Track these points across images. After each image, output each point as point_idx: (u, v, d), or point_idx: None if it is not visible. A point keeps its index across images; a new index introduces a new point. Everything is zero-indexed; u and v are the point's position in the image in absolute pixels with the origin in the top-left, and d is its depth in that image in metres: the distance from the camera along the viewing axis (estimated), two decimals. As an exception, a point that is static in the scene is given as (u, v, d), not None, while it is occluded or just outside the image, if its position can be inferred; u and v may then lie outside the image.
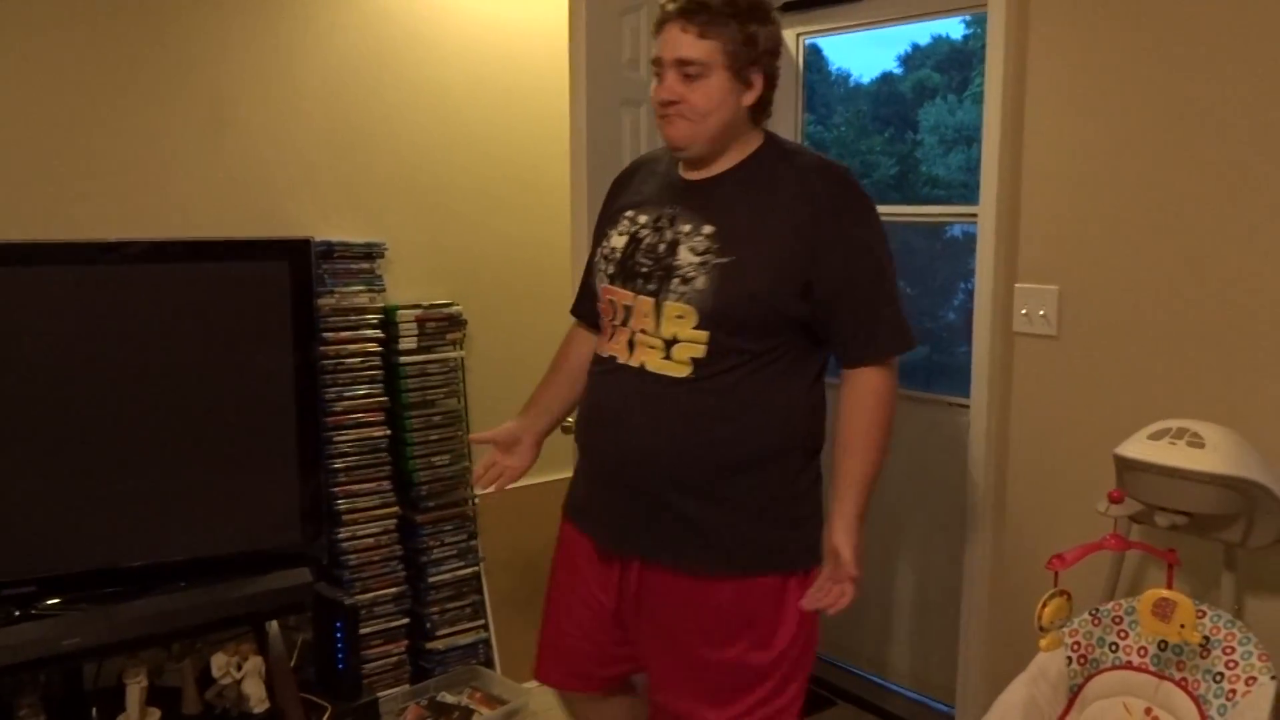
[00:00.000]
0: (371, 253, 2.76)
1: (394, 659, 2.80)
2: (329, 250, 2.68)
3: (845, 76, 3.32)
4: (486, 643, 2.99)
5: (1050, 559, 1.84)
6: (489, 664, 2.99)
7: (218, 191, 2.61)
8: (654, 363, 1.74)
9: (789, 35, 3.05)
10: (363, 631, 2.69)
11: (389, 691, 2.77)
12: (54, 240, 2.27)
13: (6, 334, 2.10)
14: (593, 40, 2.40)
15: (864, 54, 3.20)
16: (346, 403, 2.69)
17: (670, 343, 1.73)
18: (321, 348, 2.59)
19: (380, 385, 2.75)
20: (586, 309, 1.98)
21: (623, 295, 1.79)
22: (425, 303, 2.85)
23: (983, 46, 2.43)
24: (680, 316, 1.71)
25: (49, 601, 2.12)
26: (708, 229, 1.72)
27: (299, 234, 2.57)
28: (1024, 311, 2.43)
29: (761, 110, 1.78)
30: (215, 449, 2.31)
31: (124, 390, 2.19)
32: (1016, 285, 2.45)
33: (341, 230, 2.78)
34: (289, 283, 2.38)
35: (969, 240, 2.63)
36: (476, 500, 2.93)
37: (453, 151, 2.95)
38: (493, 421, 2.11)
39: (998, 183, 2.42)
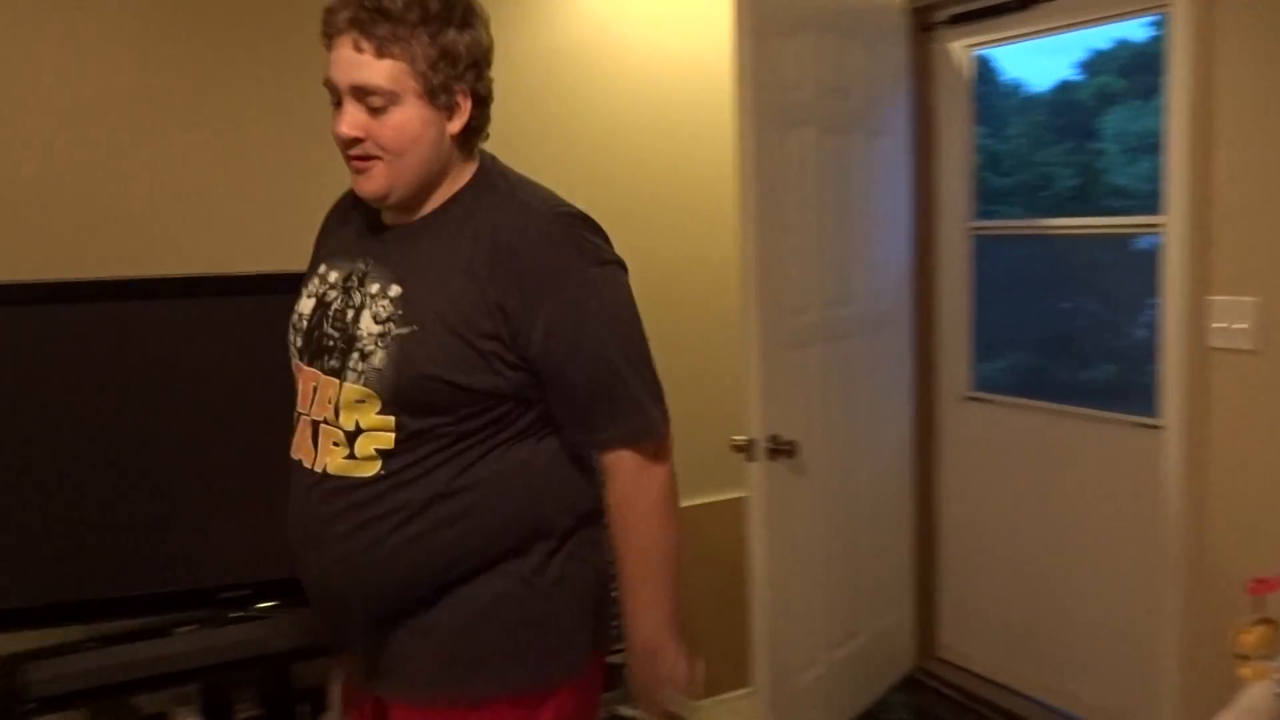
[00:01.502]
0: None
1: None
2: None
3: (1018, 87, 3.22)
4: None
5: (1250, 583, 1.73)
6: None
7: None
8: (336, 463, 1.39)
9: (956, 48, 3.00)
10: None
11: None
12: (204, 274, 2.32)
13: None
14: (758, 63, 2.42)
15: (1037, 63, 3.10)
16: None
17: (353, 435, 1.38)
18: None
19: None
20: None
21: (310, 375, 1.44)
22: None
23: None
24: (361, 401, 1.37)
25: (262, 605, 2.26)
26: (394, 290, 1.38)
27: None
28: (1220, 326, 2.30)
29: (472, 136, 1.43)
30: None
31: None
32: (1211, 298, 2.32)
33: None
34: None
35: (1157, 252, 2.51)
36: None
37: (615, 176, 2.97)
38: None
39: (1187, 190, 2.31)
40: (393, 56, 1.32)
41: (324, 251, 1.55)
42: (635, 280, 1.47)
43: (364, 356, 1.36)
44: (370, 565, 1.39)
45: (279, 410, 1.53)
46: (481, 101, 1.42)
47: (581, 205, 1.46)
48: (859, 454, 2.90)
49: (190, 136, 2.39)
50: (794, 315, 2.60)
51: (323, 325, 1.43)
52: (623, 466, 1.43)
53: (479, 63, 1.40)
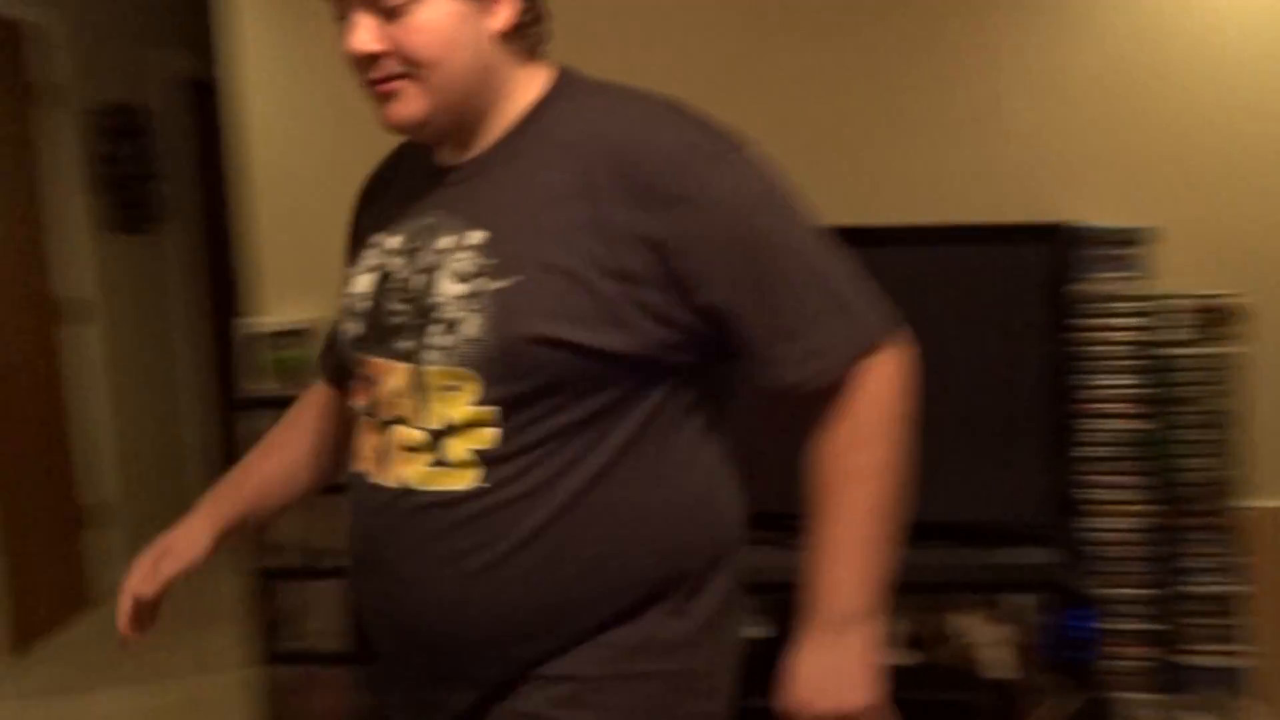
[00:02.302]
0: (1133, 238, 2.60)
1: (1132, 663, 2.62)
2: (1086, 235, 2.56)
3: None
4: (1245, 671, 2.64)
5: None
6: (1247, 694, 2.65)
7: (981, 179, 2.63)
8: (418, 474, 1.07)
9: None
10: (1103, 627, 2.53)
11: (1125, 694, 2.60)
12: (846, 224, 2.50)
13: None
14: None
15: None
16: (1100, 392, 2.57)
17: (440, 435, 1.06)
18: (1077, 334, 2.52)
19: (1139, 377, 2.59)
20: (329, 363, 1.34)
21: (377, 366, 1.12)
22: (1200, 292, 2.60)
23: None
24: (450, 387, 1.05)
25: None
26: (476, 236, 1.06)
27: (1057, 219, 2.53)
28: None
29: (525, 36, 1.10)
30: (968, 422, 2.39)
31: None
32: None
33: (1103, 215, 2.63)
34: (1043, 267, 2.41)
35: None
36: (1249, 511, 2.62)
37: (1238, 132, 2.66)
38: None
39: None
40: None
41: (368, 223, 1.21)
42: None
43: (450, 327, 1.04)
44: (472, 609, 1.08)
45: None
46: None
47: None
48: None
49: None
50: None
51: (385, 300, 1.12)
52: (846, 391, 1.08)
53: None
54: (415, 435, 1.07)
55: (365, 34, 1.03)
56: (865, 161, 2.65)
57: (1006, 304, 2.42)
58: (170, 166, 4.49)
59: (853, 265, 1.10)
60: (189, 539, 1.24)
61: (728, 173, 1.05)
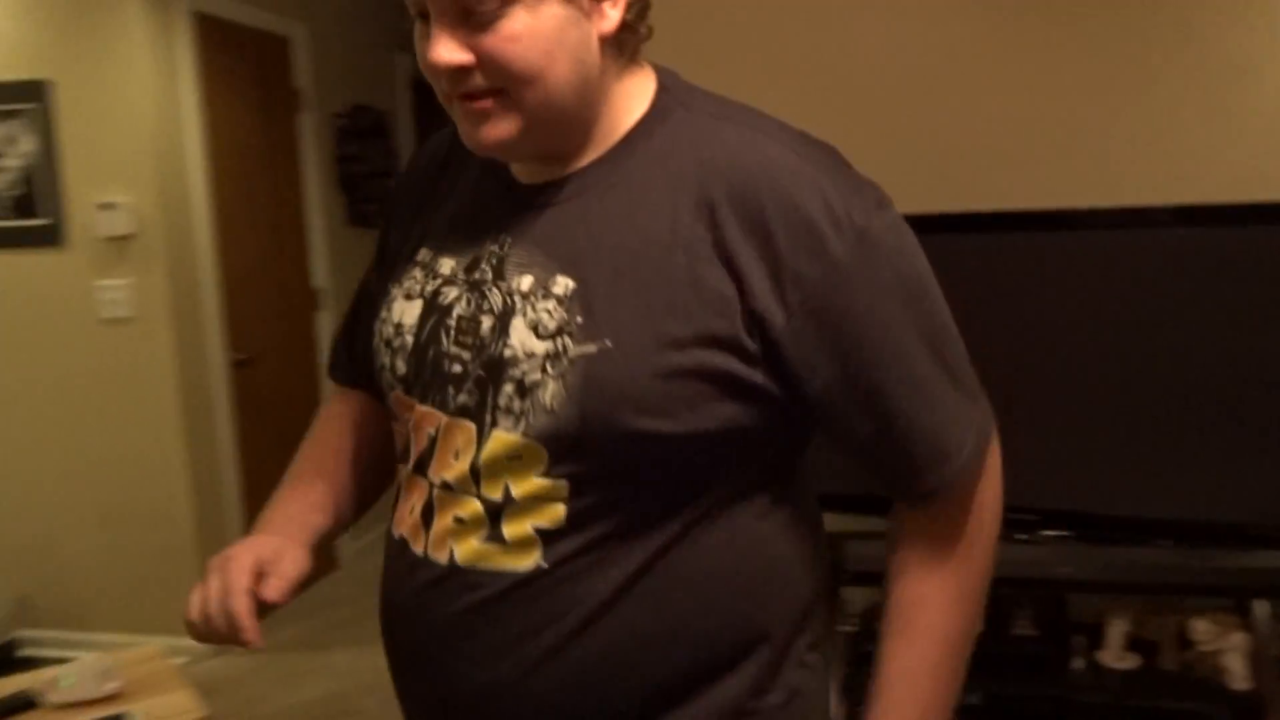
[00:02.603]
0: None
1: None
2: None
3: None
4: None
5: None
6: None
7: (1235, 158, 2.45)
8: (469, 550, 0.92)
9: None
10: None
11: None
12: (1092, 207, 2.39)
13: (1071, 290, 2.35)
14: None
15: None
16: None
17: (499, 508, 0.90)
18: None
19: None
20: (351, 367, 1.16)
21: (428, 416, 0.95)
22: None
23: None
24: (516, 457, 0.89)
25: (1047, 532, 2.31)
26: (563, 284, 0.89)
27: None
28: None
29: (631, 35, 0.91)
30: (1222, 418, 2.29)
31: (1147, 351, 2.32)
32: None
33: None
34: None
35: None
36: None
37: None
38: None
39: None
40: None
41: (413, 229, 1.03)
42: None
43: (522, 390, 0.88)
44: (535, 700, 0.93)
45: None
46: None
47: None
48: None
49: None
50: None
51: (441, 340, 0.94)
52: (942, 511, 0.96)
53: None
54: (470, 506, 0.92)
55: (450, 43, 0.85)
56: (1113, 139, 2.48)
57: (1266, 290, 2.23)
58: (403, 164, 4.81)
59: (964, 362, 0.96)
60: (287, 553, 1.00)
61: (870, 242, 0.87)
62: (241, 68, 3.81)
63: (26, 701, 1.68)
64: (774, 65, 2.69)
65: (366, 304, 1.10)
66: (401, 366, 0.97)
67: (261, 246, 3.94)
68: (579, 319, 0.86)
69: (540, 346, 0.87)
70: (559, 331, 0.87)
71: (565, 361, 0.86)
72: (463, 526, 0.92)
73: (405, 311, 0.97)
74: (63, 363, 3.45)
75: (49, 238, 3.40)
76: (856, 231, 0.86)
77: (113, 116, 3.33)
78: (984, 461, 0.95)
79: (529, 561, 0.90)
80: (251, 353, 3.81)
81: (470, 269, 0.94)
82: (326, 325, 4.24)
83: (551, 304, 0.88)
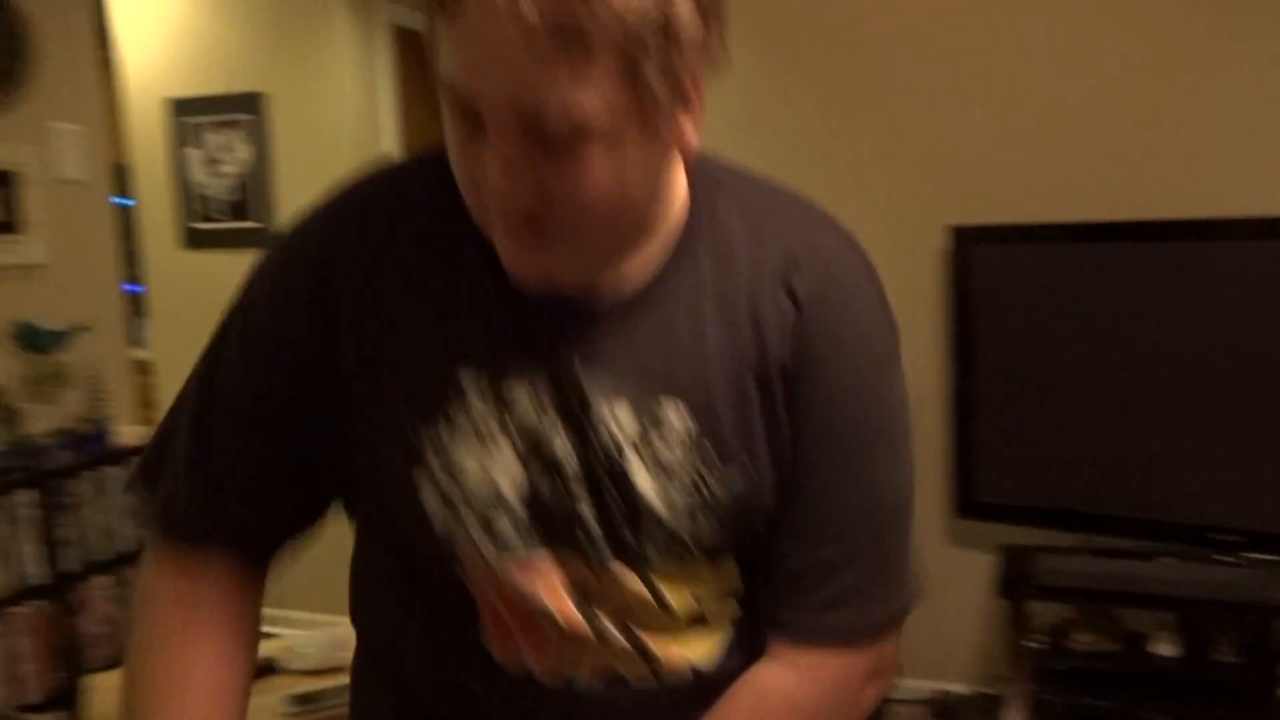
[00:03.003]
0: None
1: None
2: None
3: None
4: None
5: None
6: None
7: None
8: (679, 656, 0.87)
9: None
10: None
11: None
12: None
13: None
14: None
15: None
16: None
17: (677, 629, 0.86)
18: None
19: None
20: (210, 518, 0.86)
21: (557, 563, 0.82)
22: None
23: None
24: (673, 582, 0.84)
25: (1252, 554, 2.28)
26: (671, 410, 0.79)
27: None
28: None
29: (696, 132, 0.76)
30: None
31: None
32: None
33: None
34: None
35: None
36: None
37: None
38: None
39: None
40: (601, 73, 0.65)
41: (422, 340, 0.81)
42: None
43: (665, 529, 0.81)
44: None
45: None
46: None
47: None
48: None
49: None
50: None
51: (570, 501, 0.81)
52: (827, 668, 0.85)
53: (717, 16, 0.70)
54: (655, 618, 0.85)
55: (516, 171, 0.69)
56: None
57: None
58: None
59: (910, 528, 0.89)
60: None
61: (879, 362, 0.84)
62: (429, 75, 4.00)
63: (268, 667, 1.84)
64: (945, 70, 2.69)
65: (234, 428, 0.84)
66: (505, 527, 0.81)
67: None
68: (701, 444, 0.80)
69: (683, 501, 0.81)
70: (698, 475, 0.80)
71: (713, 499, 0.81)
72: (667, 637, 0.87)
73: (488, 457, 0.80)
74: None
75: (260, 239, 3.66)
76: (888, 342, 0.86)
77: (319, 125, 3.56)
78: (883, 635, 0.86)
79: (693, 668, 0.87)
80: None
81: (550, 399, 0.80)
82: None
83: (669, 434, 0.80)
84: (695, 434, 0.80)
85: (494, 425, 0.80)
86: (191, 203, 3.72)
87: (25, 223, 2.51)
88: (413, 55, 3.84)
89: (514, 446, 0.80)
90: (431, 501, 0.81)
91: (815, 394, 0.82)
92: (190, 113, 3.66)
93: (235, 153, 3.66)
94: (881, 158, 2.79)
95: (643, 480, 0.80)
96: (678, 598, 0.85)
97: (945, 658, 2.84)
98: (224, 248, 3.72)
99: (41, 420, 2.53)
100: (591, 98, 0.66)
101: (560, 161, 0.68)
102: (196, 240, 3.74)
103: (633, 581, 0.83)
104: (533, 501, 0.81)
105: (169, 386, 3.71)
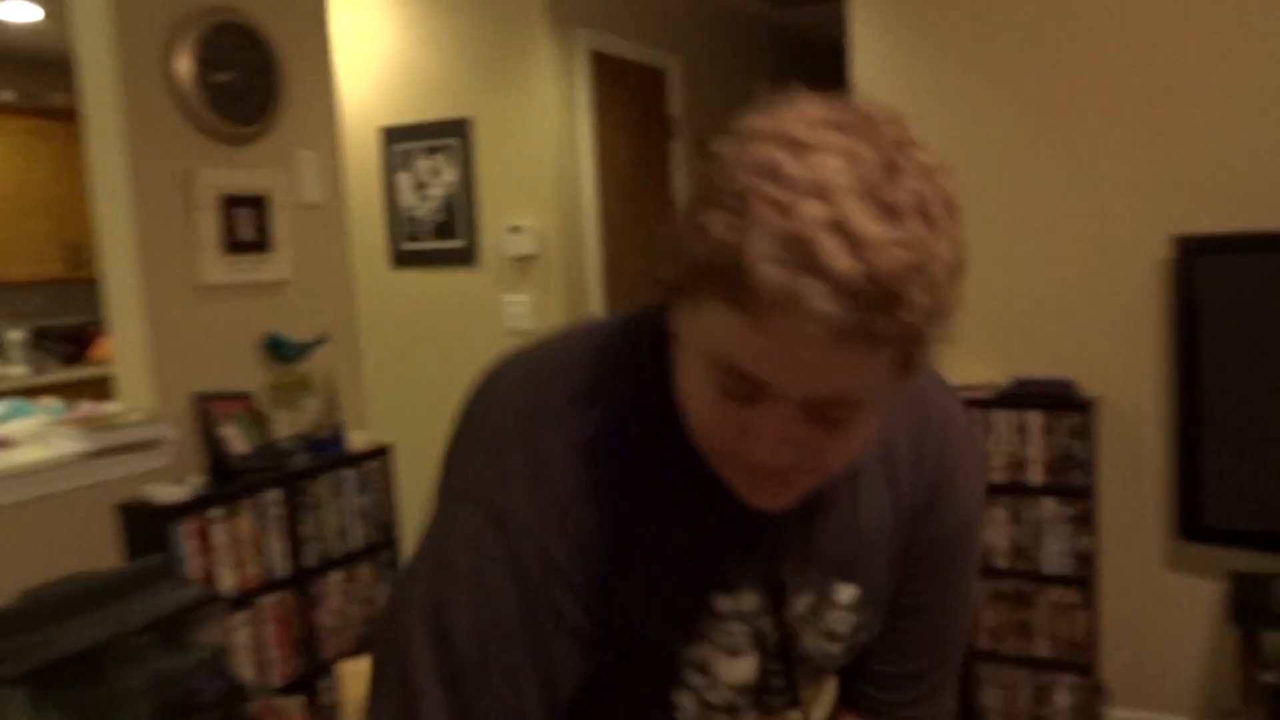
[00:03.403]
0: None
1: None
2: None
3: None
4: None
5: None
6: None
7: None
8: None
9: None
10: None
11: None
12: None
13: None
14: None
15: None
16: None
17: None
18: None
19: None
20: None
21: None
22: None
23: None
24: (816, 696, 1.01)
25: None
26: (848, 594, 0.93)
27: None
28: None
29: None
30: None
31: None
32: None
33: None
34: None
35: None
36: None
37: None
38: None
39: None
40: (885, 346, 0.68)
41: (678, 579, 0.85)
42: None
43: (818, 673, 0.97)
44: None
45: None
46: None
47: None
48: None
49: None
50: None
51: (772, 677, 0.93)
52: None
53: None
54: None
55: (793, 443, 0.73)
56: None
57: None
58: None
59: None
60: None
61: (975, 503, 1.01)
62: (625, 98, 4.12)
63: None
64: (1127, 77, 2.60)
65: None
66: (747, 712, 0.93)
67: (642, 267, 4.23)
68: (866, 616, 0.95)
69: (836, 650, 0.96)
70: (853, 629, 0.95)
71: (855, 642, 0.97)
72: None
73: (733, 668, 0.90)
74: (475, 368, 3.84)
75: (464, 258, 3.84)
76: (980, 486, 1.05)
77: (521, 148, 3.72)
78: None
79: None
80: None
81: (767, 598, 0.89)
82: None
83: (840, 614, 0.94)
84: (859, 603, 0.94)
85: (744, 639, 0.90)
86: (400, 225, 3.94)
87: (274, 242, 2.71)
88: (606, 77, 3.96)
89: (754, 646, 0.91)
90: (688, 710, 0.90)
91: (935, 536, 0.96)
92: (402, 139, 3.88)
93: (442, 176, 3.85)
94: (1101, 165, 2.71)
95: (810, 643, 0.93)
96: (819, 713, 1.02)
97: (1165, 687, 2.72)
98: (426, 266, 3.92)
99: (285, 425, 2.72)
100: (874, 378, 0.69)
101: (832, 431, 0.73)
102: (401, 260, 3.96)
103: (794, 715, 0.97)
104: (763, 686, 0.93)
105: (376, 399, 3.95)
